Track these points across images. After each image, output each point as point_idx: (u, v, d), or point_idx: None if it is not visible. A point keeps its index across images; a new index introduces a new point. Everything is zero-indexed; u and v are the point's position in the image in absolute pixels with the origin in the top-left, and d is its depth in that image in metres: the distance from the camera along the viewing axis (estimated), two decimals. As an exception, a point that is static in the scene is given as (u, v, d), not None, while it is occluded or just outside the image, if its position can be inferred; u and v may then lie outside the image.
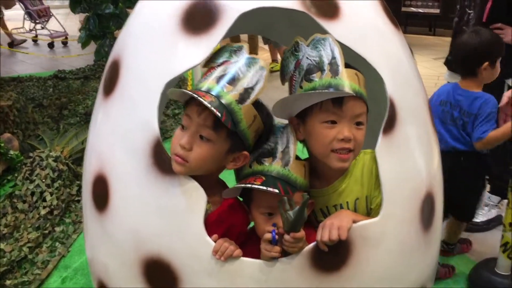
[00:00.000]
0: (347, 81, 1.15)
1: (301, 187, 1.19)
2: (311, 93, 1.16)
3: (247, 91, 1.12)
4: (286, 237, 1.10)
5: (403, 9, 8.54)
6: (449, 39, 2.84)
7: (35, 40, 8.14)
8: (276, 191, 1.11)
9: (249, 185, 1.12)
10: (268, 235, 1.11)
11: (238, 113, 1.11)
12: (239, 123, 1.12)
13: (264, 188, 1.11)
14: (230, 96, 1.11)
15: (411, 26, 8.50)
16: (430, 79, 5.07)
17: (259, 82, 1.14)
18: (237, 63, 1.15)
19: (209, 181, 1.20)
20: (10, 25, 8.11)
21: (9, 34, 7.85)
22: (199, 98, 1.06)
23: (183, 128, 1.17)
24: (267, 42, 5.88)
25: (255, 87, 1.13)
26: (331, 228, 1.10)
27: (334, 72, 1.15)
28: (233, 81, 1.12)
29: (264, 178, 1.15)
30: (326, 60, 1.17)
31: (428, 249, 1.30)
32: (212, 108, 1.06)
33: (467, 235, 2.59)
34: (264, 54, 6.62)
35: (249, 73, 1.14)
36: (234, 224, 1.21)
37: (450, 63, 2.70)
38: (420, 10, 8.48)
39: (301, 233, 1.10)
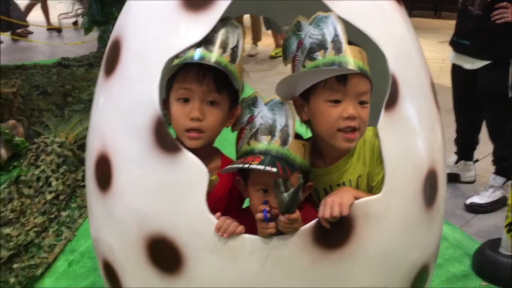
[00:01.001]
0: (351, 58, 1.14)
1: (300, 167, 1.19)
2: (315, 70, 1.16)
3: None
4: (281, 218, 1.10)
5: (409, -8, 8.45)
6: (454, 21, 2.80)
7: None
8: (274, 170, 1.10)
9: (247, 166, 1.12)
10: (260, 215, 1.12)
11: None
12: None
13: (262, 167, 1.11)
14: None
15: (416, 10, 8.41)
16: (435, 63, 5.04)
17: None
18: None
19: (206, 150, 1.23)
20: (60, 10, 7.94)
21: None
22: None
23: (183, 101, 1.18)
24: (270, 27, 5.85)
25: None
26: (332, 205, 1.10)
27: (338, 49, 1.14)
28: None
29: (262, 157, 1.14)
30: (329, 38, 1.15)
31: (431, 227, 1.30)
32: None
33: (472, 216, 2.59)
34: (267, 40, 6.59)
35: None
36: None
37: (455, 44, 2.68)
38: (426, -6, 8.40)
39: (296, 215, 1.10)
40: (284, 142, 1.17)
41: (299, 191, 1.07)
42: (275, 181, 1.09)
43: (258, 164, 1.12)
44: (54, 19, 8.13)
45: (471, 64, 2.59)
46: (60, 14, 7.70)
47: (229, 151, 1.34)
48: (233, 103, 1.25)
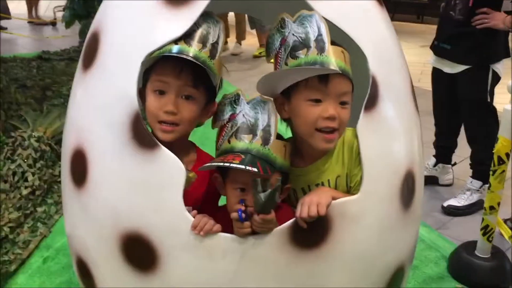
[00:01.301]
0: (333, 58, 1.13)
1: (281, 167, 1.18)
2: (296, 68, 1.15)
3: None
4: (256, 217, 1.09)
5: (393, -4, 8.54)
6: (436, 26, 2.83)
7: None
8: (255, 169, 1.09)
9: (227, 164, 1.11)
10: (235, 214, 1.11)
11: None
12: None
13: (243, 167, 1.10)
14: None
15: (399, 14, 8.50)
16: (416, 66, 5.09)
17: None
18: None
19: (181, 143, 1.23)
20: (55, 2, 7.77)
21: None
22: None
23: (159, 93, 1.17)
24: (254, 26, 5.85)
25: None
26: (310, 204, 1.09)
27: (320, 49, 1.14)
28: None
29: (243, 156, 1.13)
30: (312, 37, 1.15)
31: (408, 228, 1.31)
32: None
33: (449, 219, 2.62)
34: (251, 39, 6.58)
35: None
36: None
37: (436, 48, 2.71)
38: (410, -2, 8.50)
39: (271, 216, 1.09)
40: (265, 142, 1.16)
41: (276, 192, 1.07)
42: (254, 180, 1.08)
43: (239, 163, 1.11)
44: (50, 12, 8.01)
45: (451, 68, 2.62)
46: (56, 7, 7.59)
47: (210, 149, 1.32)
48: (210, 99, 1.25)
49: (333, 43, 1.16)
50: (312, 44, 1.14)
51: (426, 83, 3.28)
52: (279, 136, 1.22)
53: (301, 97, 1.17)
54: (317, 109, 1.16)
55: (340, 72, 1.13)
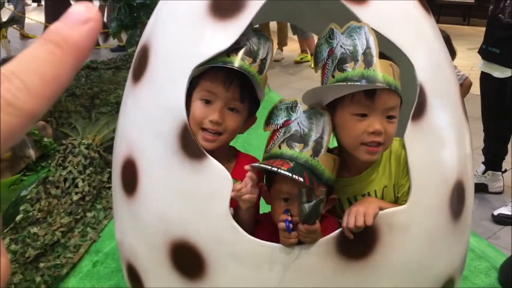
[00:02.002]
0: (380, 73, 1.11)
1: (327, 181, 1.17)
2: (342, 84, 1.14)
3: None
4: (300, 227, 1.09)
5: (437, -2, 8.36)
6: (483, 28, 2.76)
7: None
8: (301, 179, 1.09)
9: (275, 169, 1.11)
10: (282, 224, 1.11)
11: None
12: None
13: (290, 175, 1.10)
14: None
15: (444, 16, 8.30)
16: (463, 70, 4.94)
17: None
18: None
19: (223, 150, 1.26)
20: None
21: None
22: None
23: (205, 102, 1.20)
24: (296, 32, 5.85)
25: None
26: (357, 215, 1.09)
27: (368, 63, 1.11)
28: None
29: (291, 164, 1.13)
30: (360, 50, 1.13)
31: (458, 239, 1.28)
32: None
33: (499, 228, 2.54)
34: (293, 44, 6.59)
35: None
36: None
37: (484, 52, 2.64)
38: (455, 0, 8.29)
39: (315, 226, 1.09)
40: (316, 153, 1.15)
41: (321, 204, 1.07)
42: (300, 190, 1.08)
43: (287, 170, 1.11)
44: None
45: (501, 72, 2.55)
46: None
47: (252, 154, 1.35)
48: (251, 113, 1.28)
49: (382, 56, 1.14)
50: (360, 57, 1.12)
51: (473, 87, 3.19)
52: (329, 150, 1.21)
53: (346, 111, 1.16)
54: (362, 124, 1.14)
55: (387, 87, 1.11)
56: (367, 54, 1.12)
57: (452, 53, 2.85)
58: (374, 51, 1.12)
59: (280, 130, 1.20)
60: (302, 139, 1.16)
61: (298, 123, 1.18)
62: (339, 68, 1.15)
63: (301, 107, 1.20)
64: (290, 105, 1.21)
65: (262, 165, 1.15)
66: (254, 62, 1.20)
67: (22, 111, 0.28)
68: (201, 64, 1.16)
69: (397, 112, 1.17)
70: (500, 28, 2.51)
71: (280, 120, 1.21)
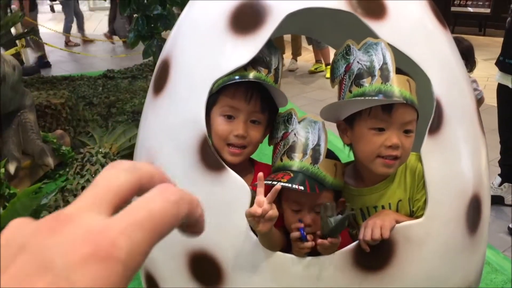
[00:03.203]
0: (397, 88, 1.13)
1: (331, 186, 1.20)
2: (360, 99, 1.16)
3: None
4: (323, 240, 1.11)
5: (453, 8, 8.33)
6: (499, 39, 2.76)
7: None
8: (302, 188, 1.12)
9: (275, 183, 1.14)
10: (296, 234, 1.12)
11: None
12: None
13: (290, 185, 1.12)
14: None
15: (460, 26, 8.28)
16: (480, 81, 4.92)
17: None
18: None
19: (242, 162, 1.28)
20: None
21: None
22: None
23: (228, 118, 1.23)
24: (311, 42, 5.88)
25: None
26: (373, 227, 1.10)
27: (385, 78, 1.13)
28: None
29: (292, 175, 1.16)
30: (377, 65, 1.15)
31: (474, 253, 1.28)
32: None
33: (515, 240, 2.52)
34: (307, 54, 6.62)
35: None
36: None
37: (502, 64, 2.63)
38: (470, 10, 8.25)
39: (338, 240, 1.11)
40: (315, 160, 1.18)
41: (347, 220, 1.09)
42: (324, 204, 1.10)
43: (287, 181, 1.13)
44: (98, 31, 8.45)
45: None
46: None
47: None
48: (270, 122, 1.30)
49: (399, 71, 1.15)
50: (377, 72, 1.14)
51: (490, 98, 3.18)
52: (333, 156, 1.24)
53: (364, 125, 1.18)
54: (380, 138, 1.16)
55: (404, 102, 1.13)
56: (383, 69, 1.14)
57: (473, 63, 2.88)
58: (391, 66, 1.14)
59: (281, 143, 1.24)
60: (300, 148, 1.20)
61: (295, 134, 1.22)
62: (356, 83, 1.17)
63: (296, 118, 1.24)
64: (286, 118, 1.25)
65: (264, 181, 1.17)
66: (269, 73, 1.24)
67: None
68: (220, 79, 1.19)
69: (413, 127, 1.18)
70: None
71: (280, 133, 1.25)
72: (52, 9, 13.87)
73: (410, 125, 1.17)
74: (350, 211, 1.10)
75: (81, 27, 8.48)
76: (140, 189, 0.34)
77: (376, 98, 1.13)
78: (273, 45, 1.28)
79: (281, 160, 1.22)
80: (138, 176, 0.34)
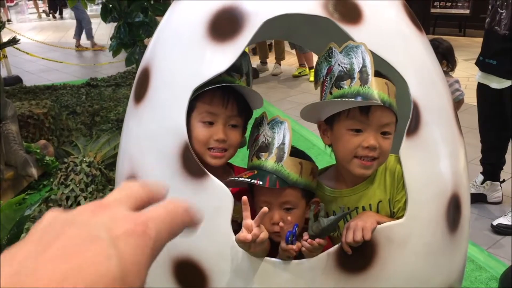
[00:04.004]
0: (375, 91, 1.15)
1: (295, 184, 1.21)
2: (338, 101, 1.18)
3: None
4: (313, 241, 1.12)
5: (432, 10, 8.44)
6: (479, 39, 2.81)
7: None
8: (260, 183, 1.16)
9: (236, 178, 1.19)
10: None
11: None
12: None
13: (248, 180, 1.17)
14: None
15: (440, 27, 8.39)
16: (460, 81, 5.00)
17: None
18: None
19: (222, 167, 1.32)
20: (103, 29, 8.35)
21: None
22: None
23: (209, 124, 1.26)
24: (294, 46, 5.91)
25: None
26: (355, 229, 1.11)
27: (364, 80, 1.16)
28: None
29: (255, 172, 1.20)
30: (356, 68, 1.17)
31: (455, 251, 1.30)
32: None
33: (499, 238, 2.55)
34: (290, 58, 6.65)
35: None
36: None
37: (482, 64, 2.67)
38: (450, 11, 8.36)
39: (325, 242, 1.13)
40: (279, 158, 1.21)
41: (340, 220, 1.12)
42: (311, 206, 1.14)
43: (247, 177, 1.17)
44: (97, 38, 8.43)
45: (498, 84, 2.59)
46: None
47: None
48: (245, 125, 1.36)
49: (378, 74, 1.18)
50: (356, 75, 1.16)
51: (471, 98, 3.23)
52: (306, 156, 1.29)
53: (342, 125, 1.20)
54: (357, 139, 1.18)
55: (381, 104, 1.15)
56: (363, 72, 1.16)
57: (453, 63, 2.93)
58: (370, 69, 1.16)
59: (253, 145, 1.28)
60: (267, 148, 1.23)
61: (263, 135, 1.26)
62: (336, 85, 1.20)
63: (266, 120, 1.28)
64: (259, 121, 1.30)
65: (229, 179, 1.22)
66: (242, 77, 1.30)
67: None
68: (199, 87, 1.20)
69: (392, 129, 1.20)
70: (496, 41, 2.55)
71: (253, 136, 1.30)
72: (47, 14, 13.69)
73: (388, 127, 1.19)
74: (345, 211, 1.13)
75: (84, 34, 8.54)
76: (150, 201, 0.41)
77: (353, 100, 1.15)
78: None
79: (251, 160, 1.26)
80: (149, 190, 0.42)
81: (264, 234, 1.10)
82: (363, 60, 1.17)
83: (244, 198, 1.13)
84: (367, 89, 1.15)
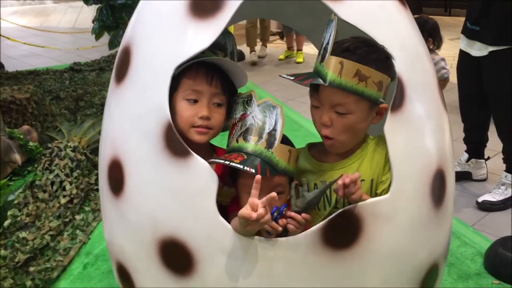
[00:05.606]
0: (327, 70, 1.15)
1: (283, 171, 1.21)
2: (290, 79, 1.22)
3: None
4: (297, 216, 1.12)
5: (418, -10, 8.41)
6: (465, 19, 2.78)
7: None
8: (253, 171, 1.14)
9: (227, 163, 1.16)
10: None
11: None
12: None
13: (241, 167, 1.14)
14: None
15: (426, 7, 8.37)
16: (446, 60, 5.01)
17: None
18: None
19: (205, 147, 1.31)
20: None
21: None
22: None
23: (193, 102, 1.24)
24: (289, 31, 5.85)
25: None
26: (345, 177, 1.11)
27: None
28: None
29: (245, 157, 1.18)
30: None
31: (440, 226, 1.31)
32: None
33: (484, 214, 2.58)
34: (278, 41, 6.61)
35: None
36: None
37: (467, 30, 2.63)
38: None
39: (310, 217, 1.13)
40: (270, 145, 1.20)
41: (324, 193, 1.11)
42: (293, 184, 1.14)
43: (239, 163, 1.15)
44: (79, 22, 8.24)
45: (480, 51, 2.55)
46: None
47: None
48: (230, 104, 1.32)
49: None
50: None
51: (456, 77, 3.23)
52: (288, 142, 1.26)
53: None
54: (317, 113, 1.24)
55: (325, 84, 1.16)
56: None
57: (439, 40, 2.92)
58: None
59: (238, 124, 1.26)
60: (257, 132, 1.21)
61: (253, 116, 1.23)
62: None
63: (256, 101, 1.25)
64: (246, 99, 1.27)
65: (217, 160, 1.19)
66: (226, 56, 1.29)
67: None
68: (182, 64, 1.18)
69: (348, 109, 1.19)
70: (479, 4, 2.50)
71: (238, 114, 1.27)
72: None
73: (340, 107, 1.19)
74: (329, 182, 1.12)
75: None
76: None
77: (297, 80, 1.20)
78: (227, 30, 1.30)
79: (237, 141, 1.23)
80: None
81: (268, 217, 1.08)
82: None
83: (258, 177, 1.09)
84: (321, 67, 1.17)
